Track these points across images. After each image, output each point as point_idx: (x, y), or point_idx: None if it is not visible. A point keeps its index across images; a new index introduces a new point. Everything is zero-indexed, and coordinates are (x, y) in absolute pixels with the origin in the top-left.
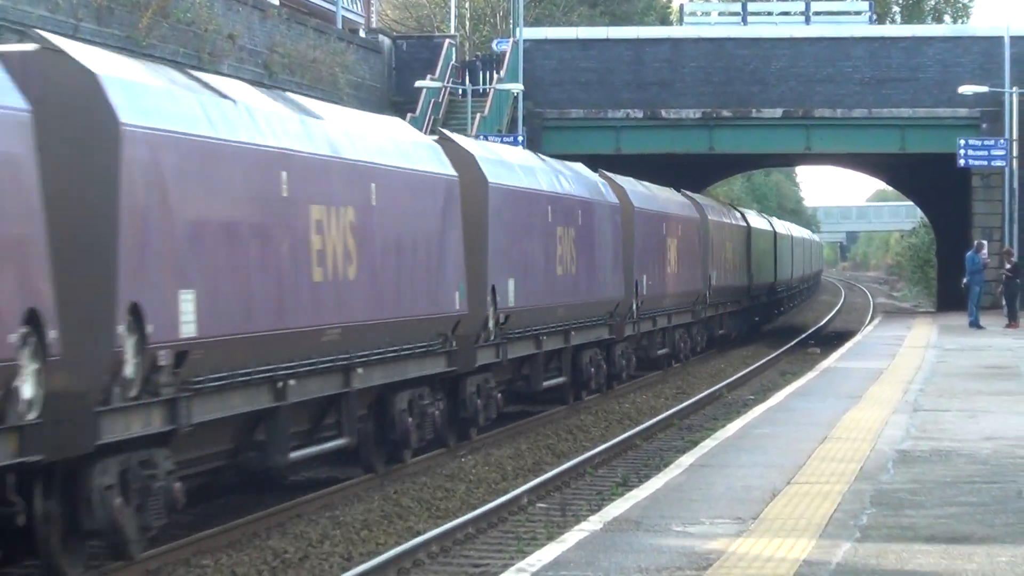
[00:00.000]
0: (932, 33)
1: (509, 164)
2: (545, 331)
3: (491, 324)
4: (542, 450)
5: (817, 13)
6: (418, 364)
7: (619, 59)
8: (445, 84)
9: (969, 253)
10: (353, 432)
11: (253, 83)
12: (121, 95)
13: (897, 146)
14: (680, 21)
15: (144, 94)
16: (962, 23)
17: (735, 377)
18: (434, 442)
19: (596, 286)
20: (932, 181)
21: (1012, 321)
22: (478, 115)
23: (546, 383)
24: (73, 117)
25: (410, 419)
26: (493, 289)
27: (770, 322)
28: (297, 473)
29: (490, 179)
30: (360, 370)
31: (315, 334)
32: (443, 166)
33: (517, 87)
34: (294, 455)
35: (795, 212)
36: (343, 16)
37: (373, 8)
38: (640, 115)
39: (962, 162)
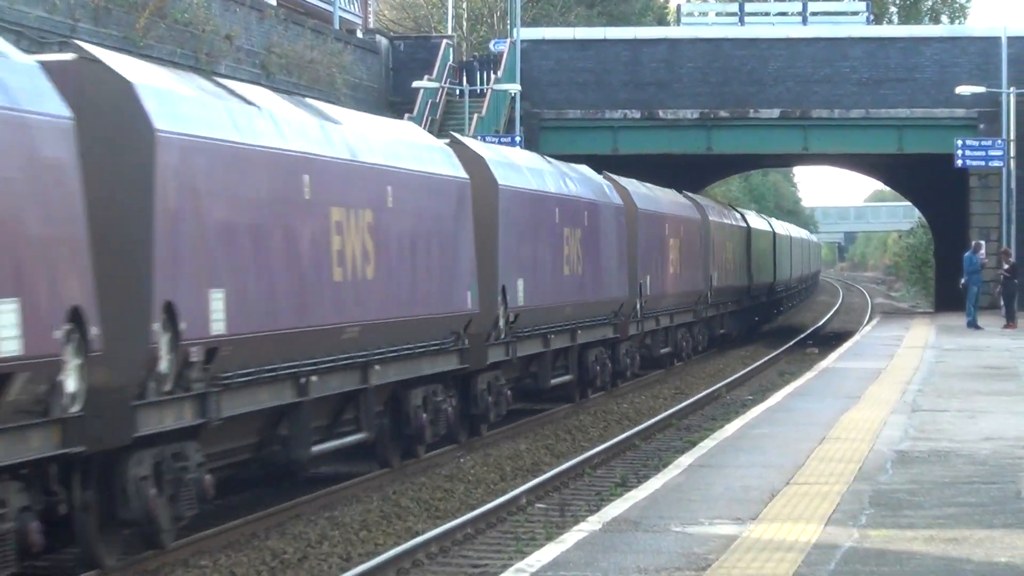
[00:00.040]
0: (929, 33)
1: (518, 167)
2: (553, 330)
3: (501, 323)
4: (541, 450)
5: (814, 13)
6: (432, 361)
7: (616, 59)
8: (442, 84)
9: (967, 253)
10: (371, 427)
11: (252, 83)
12: (155, 103)
13: (895, 146)
14: (677, 21)
15: (176, 101)
16: (959, 23)
17: (734, 377)
18: (445, 438)
19: (602, 286)
20: (930, 181)
21: (1010, 321)
22: (475, 115)
23: (554, 381)
24: (110, 124)
25: (424, 415)
26: (503, 289)
27: (769, 322)
28: (317, 467)
29: (500, 181)
30: (377, 367)
31: (335, 332)
32: (455, 169)
33: (514, 87)
34: (316, 449)
35: (793, 212)
36: (340, 16)
37: (370, 8)
38: (637, 115)
39: (960, 162)
